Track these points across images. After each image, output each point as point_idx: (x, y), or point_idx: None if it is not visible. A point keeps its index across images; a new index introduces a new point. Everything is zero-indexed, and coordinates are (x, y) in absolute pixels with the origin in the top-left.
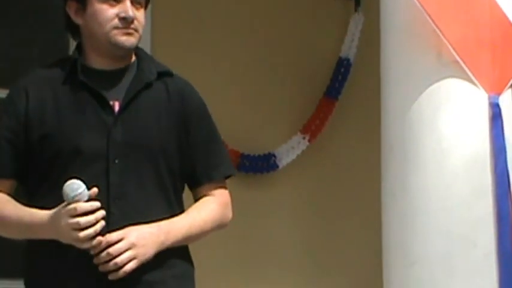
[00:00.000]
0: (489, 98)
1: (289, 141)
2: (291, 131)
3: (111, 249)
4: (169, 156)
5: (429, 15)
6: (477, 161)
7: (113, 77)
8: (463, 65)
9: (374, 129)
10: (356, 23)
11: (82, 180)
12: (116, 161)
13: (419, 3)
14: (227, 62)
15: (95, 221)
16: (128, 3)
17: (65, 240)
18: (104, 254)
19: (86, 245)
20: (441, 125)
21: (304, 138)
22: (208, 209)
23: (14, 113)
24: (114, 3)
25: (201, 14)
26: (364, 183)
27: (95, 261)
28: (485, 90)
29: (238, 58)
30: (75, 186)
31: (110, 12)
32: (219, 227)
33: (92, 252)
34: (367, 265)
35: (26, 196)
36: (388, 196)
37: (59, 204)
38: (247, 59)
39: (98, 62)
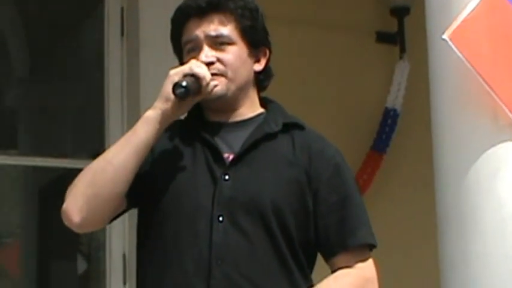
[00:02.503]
0: None
1: None
2: None
3: None
4: (285, 217)
5: (482, 78)
6: None
7: (233, 129)
8: None
9: (425, 183)
10: (402, 71)
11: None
12: (221, 218)
13: (472, 66)
14: None
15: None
16: (205, 47)
17: (163, 93)
18: None
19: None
20: (500, 191)
21: None
22: (342, 283)
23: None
24: (195, 52)
25: None
26: (418, 241)
27: None
28: None
29: None
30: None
31: None
32: None
33: None
34: None
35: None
36: (446, 265)
37: (158, 245)
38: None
39: (209, 115)
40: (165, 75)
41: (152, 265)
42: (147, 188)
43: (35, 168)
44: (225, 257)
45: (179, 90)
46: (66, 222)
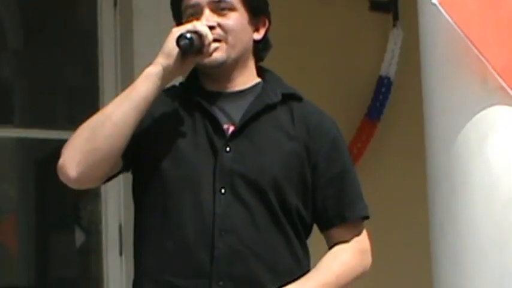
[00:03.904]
0: None
1: None
2: None
3: None
4: (284, 191)
5: (472, 42)
6: None
7: (232, 100)
8: (510, 91)
9: (419, 150)
10: (395, 39)
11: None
12: (223, 191)
13: (461, 30)
14: None
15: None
16: (206, 11)
17: (165, 49)
18: None
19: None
20: (489, 154)
21: None
22: (341, 261)
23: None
24: (196, 17)
25: None
26: (411, 207)
27: None
28: None
29: None
30: None
31: None
32: (357, 278)
33: None
34: None
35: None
36: (436, 228)
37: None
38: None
39: (207, 84)
40: (159, 45)
41: (152, 234)
42: (144, 150)
43: (31, 141)
44: (228, 229)
45: (183, 42)
46: (62, 178)
